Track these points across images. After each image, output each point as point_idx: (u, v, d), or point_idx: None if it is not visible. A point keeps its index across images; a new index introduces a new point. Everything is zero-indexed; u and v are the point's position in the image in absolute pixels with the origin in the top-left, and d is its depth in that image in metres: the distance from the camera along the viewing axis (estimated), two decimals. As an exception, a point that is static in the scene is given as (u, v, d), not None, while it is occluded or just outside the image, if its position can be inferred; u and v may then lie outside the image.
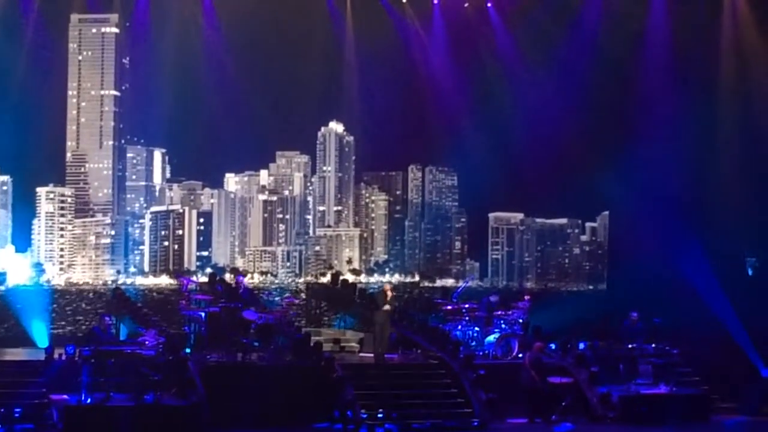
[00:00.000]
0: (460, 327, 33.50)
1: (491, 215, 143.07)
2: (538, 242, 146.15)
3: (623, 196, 43.44)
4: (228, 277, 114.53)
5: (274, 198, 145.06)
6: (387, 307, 31.87)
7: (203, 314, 30.59)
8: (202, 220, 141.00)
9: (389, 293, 32.61)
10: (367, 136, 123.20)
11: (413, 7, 53.74)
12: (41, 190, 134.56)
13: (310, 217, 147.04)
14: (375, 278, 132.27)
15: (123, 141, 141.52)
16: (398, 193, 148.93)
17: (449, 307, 34.53)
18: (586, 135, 47.43)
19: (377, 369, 30.69)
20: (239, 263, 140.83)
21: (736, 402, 32.42)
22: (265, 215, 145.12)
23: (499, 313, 33.82)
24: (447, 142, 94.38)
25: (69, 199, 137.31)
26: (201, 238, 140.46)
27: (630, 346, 33.02)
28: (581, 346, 33.25)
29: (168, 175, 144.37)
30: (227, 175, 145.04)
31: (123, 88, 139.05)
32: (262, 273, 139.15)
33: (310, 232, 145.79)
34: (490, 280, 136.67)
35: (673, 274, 38.55)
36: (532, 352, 30.08)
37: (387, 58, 73.46)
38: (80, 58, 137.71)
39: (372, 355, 32.01)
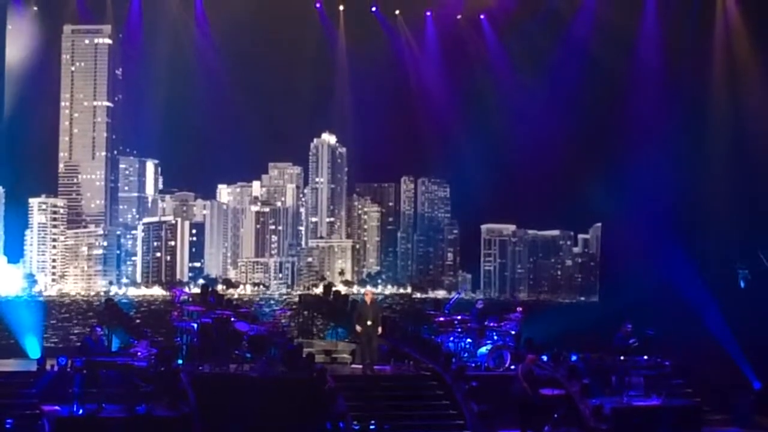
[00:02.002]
0: (452, 338, 33.42)
1: (483, 227, 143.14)
2: (531, 254, 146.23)
3: (615, 208, 43.50)
4: (220, 288, 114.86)
5: (267, 209, 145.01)
6: (369, 322, 31.77)
7: (195, 325, 30.54)
8: (194, 231, 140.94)
9: (368, 299, 32.65)
10: (360, 148, 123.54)
11: (406, 19, 53.85)
12: (34, 201, 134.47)
13: (302, 228, 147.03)
14: (367, 289, 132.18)
15: (115, 152, 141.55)
16: (391, 204, 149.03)
17: (441, 319, 34.44)
18: (579, 147, 47.57)
19: (369, 380, 30.64)
20: (231, 274, 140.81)
21: (728, 414, 32.38)
22: (258, 226, 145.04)
23: (492, 324, 33.76)
24: (439, 154, 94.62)
25: (61, 210, 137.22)
26: (193, 249, 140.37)
27: (622, 357, 32.96)
28: (573, 357, 33.20)
29: (160, 186, 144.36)
30: (220, 186, 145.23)
31: (116, 98, 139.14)
32: (254, 284, 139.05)
33: (303, 243, 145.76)
34: (483, 291, 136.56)
35: (665, 286, 38.57)
36: (525, 364, 29.96)
37: (379, 69, 73.58)
38: (73, 68, 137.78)
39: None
